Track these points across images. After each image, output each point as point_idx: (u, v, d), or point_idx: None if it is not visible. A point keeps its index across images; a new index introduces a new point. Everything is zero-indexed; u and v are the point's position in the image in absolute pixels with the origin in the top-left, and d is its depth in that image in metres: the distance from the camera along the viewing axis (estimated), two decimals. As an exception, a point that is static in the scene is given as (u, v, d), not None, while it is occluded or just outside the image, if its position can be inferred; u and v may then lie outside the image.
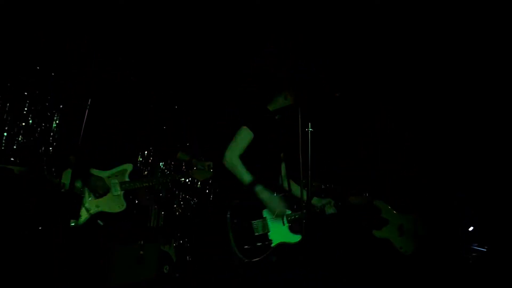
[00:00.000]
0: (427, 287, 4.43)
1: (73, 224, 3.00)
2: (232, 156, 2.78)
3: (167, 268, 5.07)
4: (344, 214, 3.51)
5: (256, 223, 2.82)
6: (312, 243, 2.34)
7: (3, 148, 3.82)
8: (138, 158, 5.16)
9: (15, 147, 3.90)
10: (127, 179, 3.29)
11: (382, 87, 5.39)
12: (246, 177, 2.76)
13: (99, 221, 3.15)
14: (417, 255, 4.42)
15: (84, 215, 3.06)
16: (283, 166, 3.21)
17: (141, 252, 4.22)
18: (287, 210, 2.94)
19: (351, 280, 4.35)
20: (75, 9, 4.12)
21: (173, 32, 4.73)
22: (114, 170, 3.26)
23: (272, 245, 2.80)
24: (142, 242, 4.28)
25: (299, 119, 2.27)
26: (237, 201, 2.82)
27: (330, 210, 3.16)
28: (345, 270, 4.55)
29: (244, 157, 2.84)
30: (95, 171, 3.15)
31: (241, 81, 5.62)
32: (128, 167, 3.34)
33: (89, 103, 2.63)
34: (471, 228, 5.02)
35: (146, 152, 4.12)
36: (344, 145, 6.42)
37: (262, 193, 2.77)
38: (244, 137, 2.84)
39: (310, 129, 2.28)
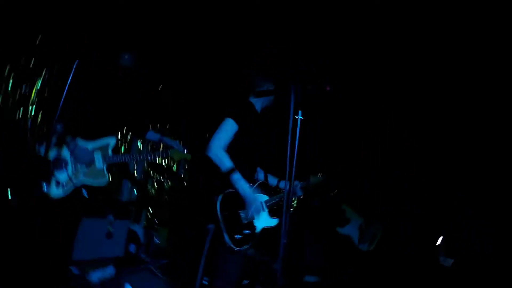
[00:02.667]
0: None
1: (59, 195, 2.93)
2: (217, 147, 2.74)
3: (133, 247, 5.00)
4: (307, 195, 3.61)
5: (243, 212, 2.83)
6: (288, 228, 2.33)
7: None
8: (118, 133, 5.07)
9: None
10: (110, 153, 3.23)
11: (382, 87, 5.42)
12: (227, 163, 2.74)
13: (84, 191, 3.10)
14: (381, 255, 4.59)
15: (68, 186, 3.00)
16: (261, 160, 3.22)
17: (110, 228, 4.15)
18: (262, 198, 2.97)
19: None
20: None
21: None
22: (98, 143, 3.19)
23: (257, 231, 2.85)
24: (112, 217, 4.20)
25: (292, 103, 2.23)
26: (225, 192, 2.79)
27: (298, 191, 3.24)
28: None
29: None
30: (80, 141, 3.06)
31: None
32: (111, 140, 3.27)
33: (75, 65, 2.54)
34: (439, 241, 5.13)
35: (125, 128, 4.02)
36: (343, 145, 6.49)
37: (239, 182, 2.75)
38: (229, 129, 2.81)
39: (300, 117, 2.25)
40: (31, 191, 2.58)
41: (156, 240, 5.30)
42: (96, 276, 3.76)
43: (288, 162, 2.16)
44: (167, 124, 6.61)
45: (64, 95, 2.48)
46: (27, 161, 3.02)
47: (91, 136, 3.15)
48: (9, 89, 3.89)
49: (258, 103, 3.07)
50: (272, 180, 3.32)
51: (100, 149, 3.18)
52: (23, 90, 3.98)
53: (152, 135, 3.62)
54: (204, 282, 4.44)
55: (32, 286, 2.88)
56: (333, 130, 5.75)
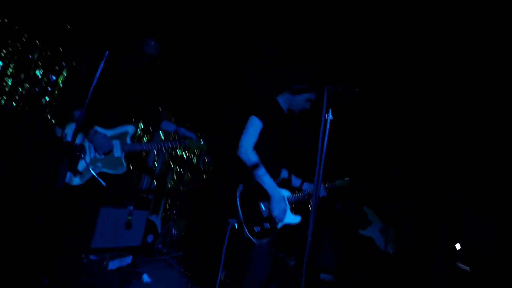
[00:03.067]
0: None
1: (77, 183, 2.93)
2: (246, 147, 2.77)
3: (151, 238, 5.06)
4: (332, 197, 3.59)
5: (264, 203, 2.81)
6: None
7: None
8: (139, 122, 5.10)
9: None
10: (128, 141, 3.19)
11: (382, 87, 5.34)
12: (253, 159, 2.75)
13: (101, 181, 3.07)
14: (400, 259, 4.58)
15: (86, 174, 3.00)
16: (285, 159, 3.20)
17: (130, 218, 4.18)
18: (285, 193, 2.96)
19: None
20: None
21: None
22: (116, 131, 3.16)
23: (278, 226, 2.82)
24: (131, 207, 4.24)
25: (324, 102, 2.18)
26: (245, 183, 2.81)
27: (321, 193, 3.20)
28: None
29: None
30: (99, 129, 3.07)
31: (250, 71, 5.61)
32: (130, 129, 3.23)
33: (105, 56, 2.53)
34: (458, 246, 5.04)
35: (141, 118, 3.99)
36: (343, 144, 6.42)
37: (263, 177, 2.75)
38: (254, 127, 2.82)
39: (330, 117, 2.20)
40: (54, 181, 2.58)
41: (174, 232, 5.34)
42: (114, 264, 3.80)
43: (317, 162, 2.12)
44: (184, 115, 6.62)
45: (93, 85, 2.46)
46: (52, 149, 3.02)
47: (110, 124, 3.14)
48: (39, 75, 3.95)
49: (285, 103, 3.04)
50: (296, 181, 3.29)
51: (118, 137, 3.15)
52: (49, 78, 4.03)
53: (167, 125, 3.58)
54: (224, 278, 4.50)
55: (50, 273, 2.91)
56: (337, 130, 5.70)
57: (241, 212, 2.72)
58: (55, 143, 2.97)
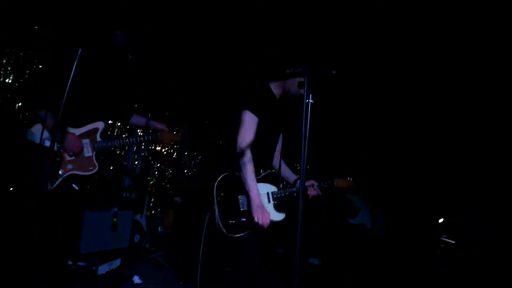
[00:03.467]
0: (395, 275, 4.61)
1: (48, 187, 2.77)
2: (247, 148, 2.67)
3: (138, 238, 4.98)
4: (328, 197, 3.54)
5: (243, 197, 2.75)
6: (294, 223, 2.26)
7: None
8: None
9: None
10: (98, 139, 3.01)
11: (382, 87, 5.39)
12: (248, 157, 2.68)
13: (73, 185, 2.93)
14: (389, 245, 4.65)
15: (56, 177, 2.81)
16: (279, 145, 3.12)
17: (115, 220, 4.10)
18: (270, 189, 2.90)
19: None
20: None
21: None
22: (84, 129, 2.98)
23: (257, 222, 2.73)
24: (116, 209, 4.15)
25: (305, 89, 2.15)
26: (225, 174, 2.75)
27: (313, 192, 3.11)
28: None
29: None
30: (67, 128, 2.85)
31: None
32: (100, 125, 3.04)
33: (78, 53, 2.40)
34: (441, 220, 5.17)
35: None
36: (344, 144, 6.48)
37: (248, 173, 2.68)
38: (250, 123, 2.72)
39: (311, 101, 2.17)
40: (37, 188, 2.45)
41: (160, 229, 5.27)
42: (104, 269, 3.73)
43: (303, 154, 2.09)
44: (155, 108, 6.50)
45: (68, 85, 2.33)
46: (31, 156, 2.86)
47: (78, 122, 2.97)
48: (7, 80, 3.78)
49: (278, 89, 2.91)
50: (291, 176, 3.16)
51: (88, 135, 2.99)
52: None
53: (137, 119, 3.41)
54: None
55: (39, 283, 2.82)
56: (335, 130, 5.72)
57: (216, 203, 2.67)
58: (31, 148, 2.81)
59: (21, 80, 3.91)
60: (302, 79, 2.80)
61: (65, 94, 2.34)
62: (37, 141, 2.71)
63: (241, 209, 2.74)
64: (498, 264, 4.19)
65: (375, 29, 4.34)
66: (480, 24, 3.94)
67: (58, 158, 2.78)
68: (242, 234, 2.69)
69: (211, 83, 6.12)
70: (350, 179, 3.24)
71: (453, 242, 4.72)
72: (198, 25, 4.71)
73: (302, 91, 2.85)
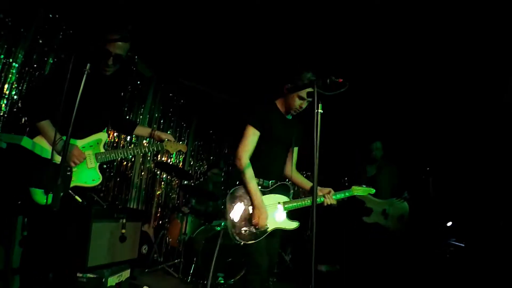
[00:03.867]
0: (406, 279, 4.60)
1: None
2: (246, 159, 2.82)
3: (146, 249, 4.99)
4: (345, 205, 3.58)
5: (252, 207, 2.78)
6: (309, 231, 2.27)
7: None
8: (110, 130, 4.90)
9: None
10: (102, 150, 2.97)
11: (382, 87, 5.41)
12: (248, 169, 2.81)
13: (76, 197, 2.88)
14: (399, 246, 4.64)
15: None
16: (290, 156, 3.16)
17: (123, 231, 4.11)
18: (282, 199, 2.93)
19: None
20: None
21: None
22: (87, 140, 2.93)
23: (268, 230, 2.80)
24: (124, 220, 4.16)
25: (315, 100, 2.16)
26: (237, 186, 2.84)
27: (330, 200, 3.10)
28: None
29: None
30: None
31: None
32: (103, 136, 3.01)
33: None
34: (449, 223, 5.15)
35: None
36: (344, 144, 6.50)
37: (252, 185, 2.79)
38: (252, 137, 2.87)
39: (320, 111, 2.19)
40: (51, 204, 2.42)
41: (168, 240, 5.28)
42: (113, 280, 3.73)
43: (315, 161, 2.10)
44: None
45: (79, 97, 2.34)
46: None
47: (80, 133, 2.96)
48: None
49: (281, 104, 3.03)
50: (306, 183, 3.21)
51: (90, 146, 2.95)
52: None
53: (141, 129, 3.38)
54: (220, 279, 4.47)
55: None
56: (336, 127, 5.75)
57: (229, 212, 2.76)
58: (41, 163, 2.81)
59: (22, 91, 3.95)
60: (302, 94, 2.88)
61: (76, 106, 2.33)
62: (44, 154, 2.70)
63: (251, 218, 2.79)
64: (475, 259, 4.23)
65: (375, 29, 4.36)
66: (480, 24, 3.95)
67: (69, 173, 2.76)
68: (253, 242, 2.75)
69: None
70: (364, 186, 3.28)
71: (462, 245, 4.70)
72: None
73: (300, 105, 2.94)
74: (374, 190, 3.30)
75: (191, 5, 4.41)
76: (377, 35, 4.46)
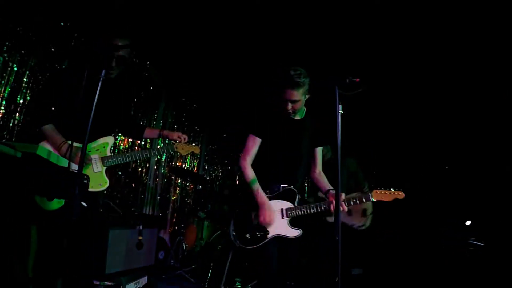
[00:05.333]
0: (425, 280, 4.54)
1: (55, 206, 2.66)
2: (247, 165, 2.87)
3: (162, 254, 4.98)
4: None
5: (256, 213, 2.76)
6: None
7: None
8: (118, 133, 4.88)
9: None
10: (108, 154, 2.90)
11: (382, 87, 5.35)
12: (250, 176, 2.86)
13: (82, 202, 2.83)
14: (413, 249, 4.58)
15: None
16: (316, 157, 3.09)
17: (140, 238, 4.10)
18: (285, 205, 2.83)
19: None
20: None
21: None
22: (94, 144, 2.87)
23: (269, 236, 2.74)
24: (140, 227, 4.15)
25: (337, 99, 2.09)
26: (240, 194, 2.92)
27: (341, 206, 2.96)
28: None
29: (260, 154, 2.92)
30: (75, 144, 2.79)
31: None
32: (110, 140, 2.94)
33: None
34: (468, 222, 5.05)
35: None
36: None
37: (257, 190, 2.80)
38: (252, 144, 2.90)
39: (341, 112, 2.11)
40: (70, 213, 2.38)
41: (184, 245, 5.26)
42: (130, 287, 3.71)
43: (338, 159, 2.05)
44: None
45: (94, 104, 2.31)
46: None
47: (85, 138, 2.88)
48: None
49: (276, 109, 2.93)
50: (324, 186, 3.02)
51: (97, 151, 2.88)
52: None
53: (149, 132, 3.29)
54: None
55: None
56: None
57: (232, 217, 2.84)
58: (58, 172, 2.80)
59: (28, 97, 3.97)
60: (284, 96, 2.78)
61: (91, 113, 2.31)
62: (60, 163, 2.67)
63: (254, 223, 2.78)
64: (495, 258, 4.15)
65: (375, 29, 4.32)
66: (480, 25, 3.88)
67: (86, 181, 2.72)
68: (253, 246, 2.74)
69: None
70: (393, 190, 2.76)
71: (482, 244, 4.60)
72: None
73: (287, 109, 2.84)
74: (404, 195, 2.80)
75: (202, 13, 4.44)
76: (377, 35, 4.42)
